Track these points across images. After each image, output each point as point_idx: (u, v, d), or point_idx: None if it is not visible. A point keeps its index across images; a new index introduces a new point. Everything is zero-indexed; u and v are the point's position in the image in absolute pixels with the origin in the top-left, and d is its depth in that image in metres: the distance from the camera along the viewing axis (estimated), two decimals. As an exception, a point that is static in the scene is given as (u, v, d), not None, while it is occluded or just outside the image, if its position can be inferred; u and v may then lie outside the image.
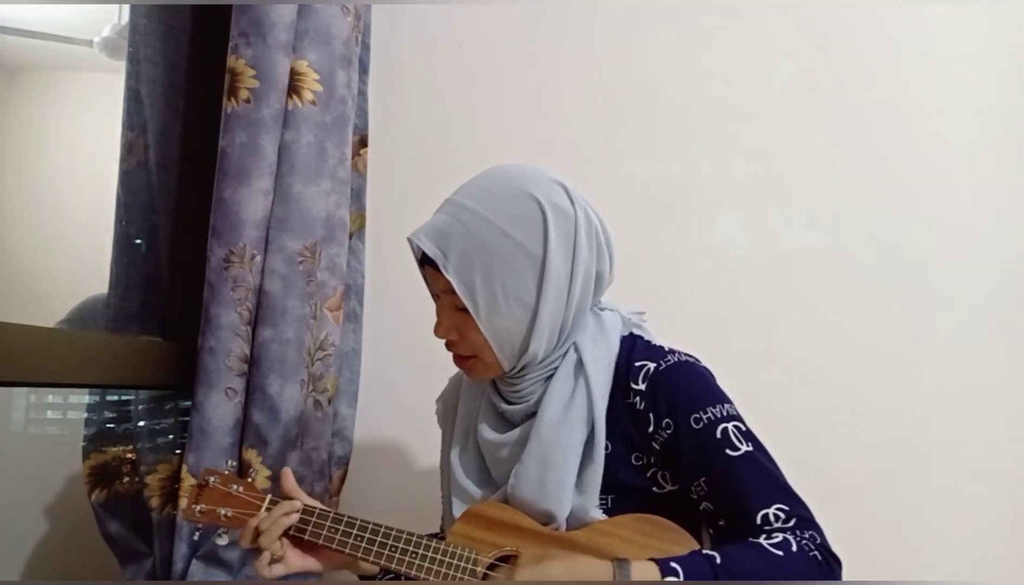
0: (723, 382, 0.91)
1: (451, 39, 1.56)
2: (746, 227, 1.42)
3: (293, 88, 1.26)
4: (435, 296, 0.93)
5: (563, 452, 0.87)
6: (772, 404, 1.14)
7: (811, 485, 0.87)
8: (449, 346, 0.93)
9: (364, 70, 1.50)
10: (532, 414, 0.92)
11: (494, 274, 0.85)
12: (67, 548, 1.48)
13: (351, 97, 1.37)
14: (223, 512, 0.94)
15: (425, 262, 0.90)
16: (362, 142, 1.50)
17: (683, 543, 0.84)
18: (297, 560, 0.91)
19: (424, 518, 1.13)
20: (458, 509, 0.94)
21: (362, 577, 1.00)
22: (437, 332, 0.91)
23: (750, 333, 1.38)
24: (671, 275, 1.42)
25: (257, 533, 0.90)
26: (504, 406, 0.94)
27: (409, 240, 0.89)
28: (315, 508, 0.92)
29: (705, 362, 0.93)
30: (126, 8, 1.65)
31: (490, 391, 0.97)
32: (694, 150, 1.45)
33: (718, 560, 0.76)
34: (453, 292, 0.86)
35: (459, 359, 0.93)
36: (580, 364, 0.90)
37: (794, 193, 1.41)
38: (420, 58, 1.57)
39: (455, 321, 0.89)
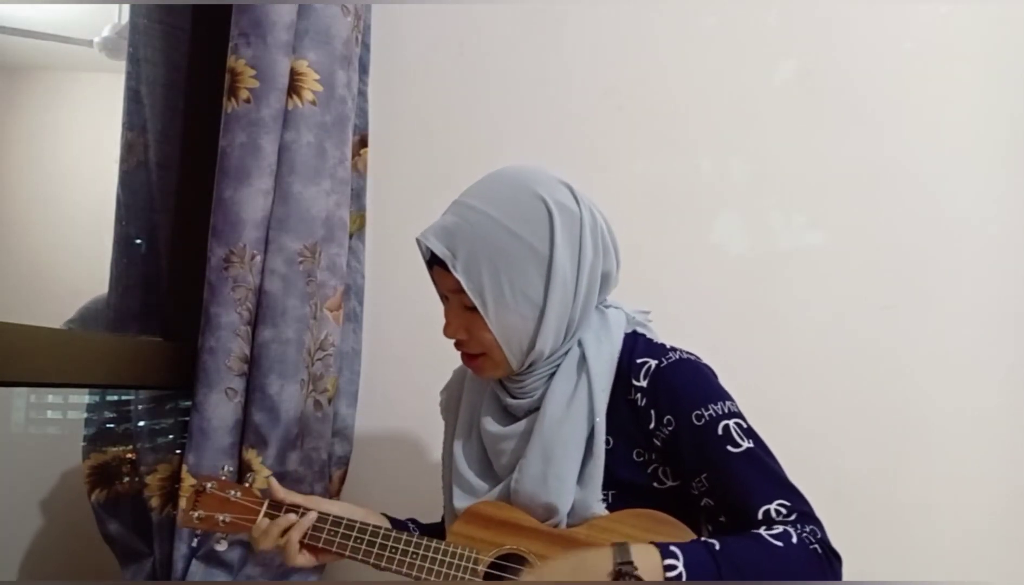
0: (723, 381, 0.92)
1: (451, 39, 1.56)
2: (746, 227, 1.42)
3: (293, 88, 1.26)
4: (443, 297, 0.94)
5: (564, 447, 0.88)
6: (771, 403, 1.14)
7: (811, 484, 0.87)
8: (458, 346, 0.94)
9: (364, 70, 1.50)
10: (535, 408, 0.92)
11: (501, 272, 0.86)
12: (67, 548, 1.48)
13: (351, 97, 1.37)
14: (221, 518, 0.94)
15: (433, 262, 0.91)
16: (362, 142, 1.50)
17: (682, 537, 0.84)
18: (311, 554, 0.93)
19: (424, 518, 1.13)
20: (459, 500, 0.95)
21: None
22: (446, 332, 0.92)
23: (750, 333, 1.38)
24: (671, 275, 1.42)
25: (282, 535, 0.91)
26: (508, 400, 0.95)
27: (417, 241, 0.90)
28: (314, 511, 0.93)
29: (705, 361, 0.93)
30: (126, 8, 1.65)
31: (494, 385, 0.98)
32: (694, 150, 1.45)
33: (717, 547, 0.77)
34: (461, 291, 0.87)
35: (468, 358, 0.94)
36: (583, 359, 0.91)
37: (794, 193, 1.41)
38: (420, 58, 1.57)
39: (464, 320, 0.90)
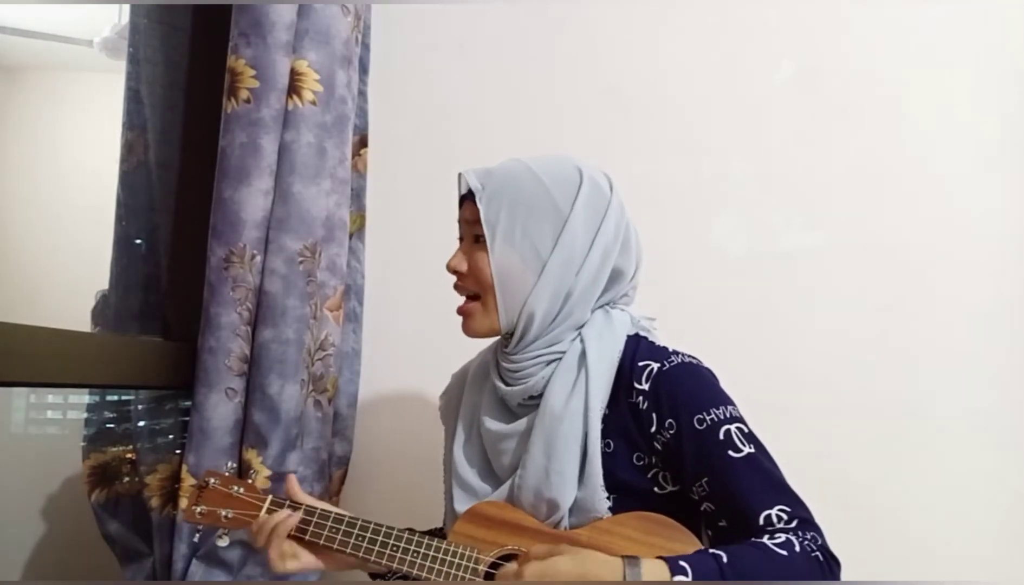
0: (722, 382, 0.92)
1: (451, 39, 1.56)
2: (746, 227, 1.42)
3: (293, 88, 1.26)
4: (461, 237, 0.99)
5: (564, 442, 0.88)
6: (772, 404, 1.14)
7: (811, 485, 0.87)
8: (456, 285, 0.97)
9: (364, 70, 1.50)
10: (532, 401, 0.93)
11: (519, 214, 0.91)
12: (67, 548, 1.48)
13: (351, 97, 1.37)
14: (224, 513, 0.94)
15: (466, 198, 0.96)
16: (362, 142, 1.50)
17: (684, 541, 0.84)
18: (309, 557, 0.92)
19: (424, 518, 1.13)
20: (460, 502, 0.95)
21: (372, 575, 1.00)
22: (449, 263, 0.96)
23: (750, 333, 1.38)
24: (671, 275, 1.41)
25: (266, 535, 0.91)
26: (504, 388, 0.95)
27: (459, 175, 0.97)
28: (315, 508, 0.93)
29: (704, 362, 0.93)
30: (126, 8, 1.66)
31: (492, 375, 0.98)
32: (694, 150, 1.45)
33: (725, 559, 0.77)
34: (477, 222, 0.92)
35: (461, 307, 0.97)
36: (583, 356, 0.91)
37: (794, 193, 1.41)
38: (420, 58, 1.57)
39: (470, 252, 0.95)
